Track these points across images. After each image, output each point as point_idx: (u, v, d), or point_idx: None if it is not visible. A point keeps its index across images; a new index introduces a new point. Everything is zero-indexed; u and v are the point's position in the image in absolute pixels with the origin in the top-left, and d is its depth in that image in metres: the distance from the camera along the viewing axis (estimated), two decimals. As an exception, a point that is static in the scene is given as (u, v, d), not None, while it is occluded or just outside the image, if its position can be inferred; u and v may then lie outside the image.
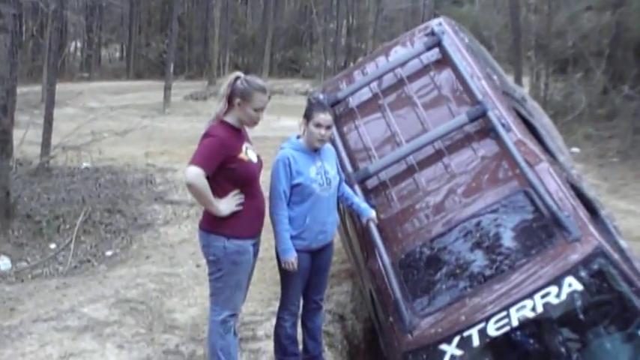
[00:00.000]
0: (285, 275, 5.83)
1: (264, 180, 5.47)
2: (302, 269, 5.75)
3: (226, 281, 5.35)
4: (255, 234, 5.45)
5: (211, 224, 5.31)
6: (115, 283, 8.20)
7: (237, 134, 5.31)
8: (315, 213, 5.69)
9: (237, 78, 5.28)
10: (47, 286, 8.24)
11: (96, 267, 9.11)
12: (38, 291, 8.08)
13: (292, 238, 5.66)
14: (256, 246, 5.55)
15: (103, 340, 6.68)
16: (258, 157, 5.46)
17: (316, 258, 5.86)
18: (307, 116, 5.70)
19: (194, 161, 5.04)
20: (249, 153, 5.32)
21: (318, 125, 5.62)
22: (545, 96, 22.16)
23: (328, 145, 6.02)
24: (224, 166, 5.14)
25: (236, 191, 5.24)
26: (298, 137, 5.82)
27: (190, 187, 5.11)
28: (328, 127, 5.68)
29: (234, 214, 5.23)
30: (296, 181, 5.60)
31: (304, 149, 5.72)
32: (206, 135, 5.22)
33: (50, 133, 13.46)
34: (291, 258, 5.60)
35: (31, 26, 35.76)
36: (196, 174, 5.00)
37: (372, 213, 5.99)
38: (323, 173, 5.71)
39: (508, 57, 24.39)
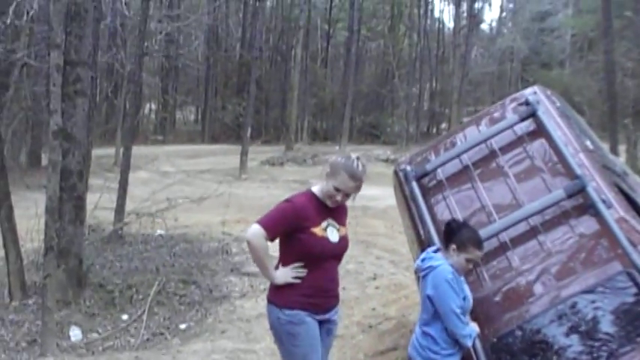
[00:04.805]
0: None
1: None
2: None
3: (291, 355, 5.33)
4: (314, 310, 5.32)
5: (271, 294, 5.37)
6: (189, 359, 8.25)
7: (321, 207, 5.31)
8: None
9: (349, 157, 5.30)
10: (118, 359, 8.31)
11: (169, 340, 9.17)
12: (109, 364, 8.17)
13: None
14: (329, 323, 5.50)
15: (176, 418, 6.72)
16: (343, 237, 5.42)
17: None
18: (459, 245, 5.44)
19: (259, 220, 5.15)
20: (328, 230, 5.29)
21: (470, 260, 5.46)
22: (644, 167, 21.85)
23: None
24: (293, 234, 5.19)
25: (299, 264, 5.24)
26: (436, 251, 5.66)
27: (248, 244, 5.23)
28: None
29: (290, 285, 5.23)
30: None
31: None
32: (286, 199, 5.31)
33: (124, 200, 13.69)
34: None
35: (106, 87, 36.47)
36: (255, 233, 5.09)
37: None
38: None
39: (601, 124, 24.16)
